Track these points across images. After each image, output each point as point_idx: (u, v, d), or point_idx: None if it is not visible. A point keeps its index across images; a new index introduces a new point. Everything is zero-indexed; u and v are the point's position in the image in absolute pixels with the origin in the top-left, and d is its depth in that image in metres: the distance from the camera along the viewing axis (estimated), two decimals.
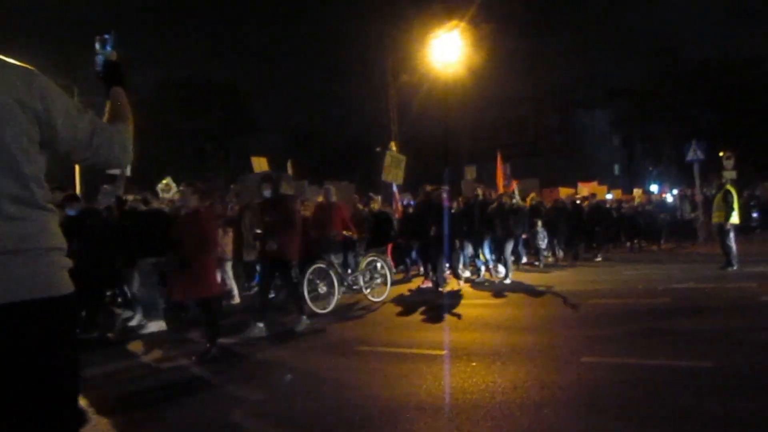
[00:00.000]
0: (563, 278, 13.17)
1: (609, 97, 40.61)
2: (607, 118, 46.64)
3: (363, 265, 10.70)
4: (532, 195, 17.27)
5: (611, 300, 9.55)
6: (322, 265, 9.88)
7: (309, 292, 9.40)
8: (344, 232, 10.66)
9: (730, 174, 20.09)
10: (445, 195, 15.51)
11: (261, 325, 7.99)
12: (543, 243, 15.82)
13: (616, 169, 56.39)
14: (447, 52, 21.73)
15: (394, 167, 16.46)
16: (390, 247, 14.62)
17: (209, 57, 73.21)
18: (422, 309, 9.85)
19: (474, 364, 6.10)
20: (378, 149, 29.72)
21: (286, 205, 8.43)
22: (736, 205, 12.49)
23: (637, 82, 38.40)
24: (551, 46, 71.77)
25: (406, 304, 10.46)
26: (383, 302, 10.53)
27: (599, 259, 16.98)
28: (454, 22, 21.27)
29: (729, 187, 12.75)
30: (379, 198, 16.14)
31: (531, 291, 11.13)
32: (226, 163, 42.68)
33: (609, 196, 24.11)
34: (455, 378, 5.65)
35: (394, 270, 14.41)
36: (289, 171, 17.09)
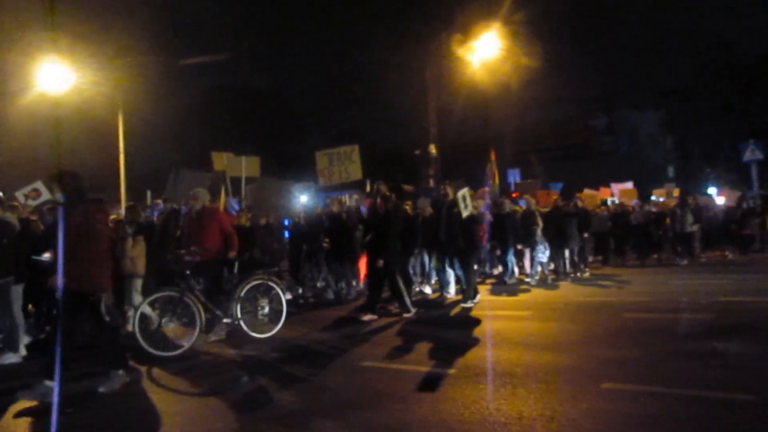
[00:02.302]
0: (601, 289, 12.32)
1: (660, 97, 38.95)
2: (658, 119, 44.84)
3: (243, 291, 8.14)
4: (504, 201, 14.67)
5: (648, 314, 8.74)
6: (173, 294, 7.74)
7: (142, 330, 7.33)
8: (193, 250, 7.98)
9: None
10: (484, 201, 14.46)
11: (120, 372, 6.03)
12: (544, 256, 13.26)
13: (671, 171, 54.28)
14: (489, 52, 20.89)
15: (338, 166, 14.25)
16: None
17: (256, 64, 73.95)
18: (438, 321, 9.26)
19: (482, 386, 5.54)
20: (417, 152, 29.26)
21: (84, 213, 5.95)
22: None
23: (689, 81, 36.60)
24: (598, 45, 69.58)
25: (421, 313, 9.84)
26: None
27: (587, 274, 14.33)
28: (496, 23, 20.48)
29: None
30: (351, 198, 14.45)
31: (562, 303, 10.39)
32: (266, 167, 42.85)
33: (654, 199, 22.57)
34: (456, 402, 5.07)
35: (357, 285, 12.40)
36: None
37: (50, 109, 20.74)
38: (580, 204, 15.01)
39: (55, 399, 5.26)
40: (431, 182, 22.73)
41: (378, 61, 64.52)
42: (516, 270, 13.68)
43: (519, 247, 13.33)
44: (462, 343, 7.57)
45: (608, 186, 22.41)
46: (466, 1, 23.41)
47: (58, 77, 19.40)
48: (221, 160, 14.18)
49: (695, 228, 16.27)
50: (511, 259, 13.39)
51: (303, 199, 17.67)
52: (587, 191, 19.96)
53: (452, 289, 11.59)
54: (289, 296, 11.69)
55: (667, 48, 69.93)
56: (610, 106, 47.05)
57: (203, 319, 7.62)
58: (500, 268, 14.36)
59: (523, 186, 17.13)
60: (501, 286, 12.86)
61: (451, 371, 6.10)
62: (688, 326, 7.81)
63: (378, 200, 10.07)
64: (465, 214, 10.44)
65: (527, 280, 13.40)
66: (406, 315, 9.50)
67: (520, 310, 9.72)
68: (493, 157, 17.40)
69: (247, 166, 13.85)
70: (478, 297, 10.58)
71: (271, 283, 8.49)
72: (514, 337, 7.67)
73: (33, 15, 24.21)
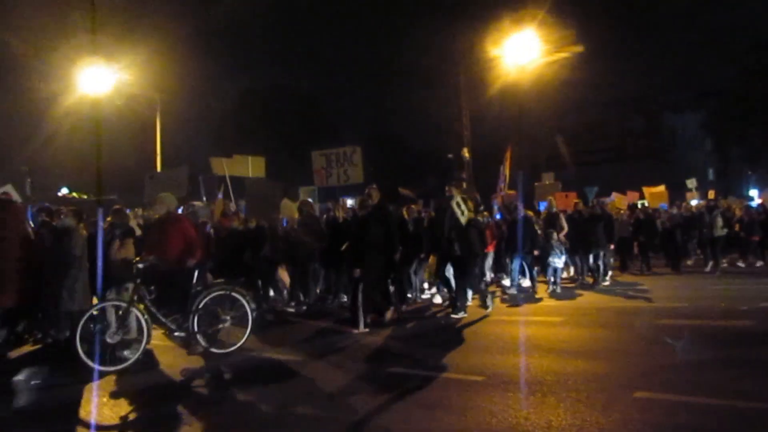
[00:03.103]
0: (637, 294, 12.03)
1: (699, 99, 38.10)
2: (697, 121, 43.88)
3: (201, 302, 7.45)
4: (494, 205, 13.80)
5: (685, 321, 8.50)
6: (120, 304, 7.19)
7: (83, 344, 6.66)
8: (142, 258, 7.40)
9: None
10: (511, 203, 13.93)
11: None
12: (559, 261, 12.39)
13: (711, 173, 53.06)
14: (523, 55, 20.60)
15: (337, 167, 13.36)
16: None
17: (291, 67, 74.79)
18: (471, 328, 9.15)
19: (510, 394, 5.44)
20: (450, 156, 29.13)
21: None
22: None
23: (728, 82, 35.77)
24: (635, 47, 68.28)
25: (452, 320, 9.72)
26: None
27: (607, 282, 13.35)
28: (530, 25, 20.22)
29: None
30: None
31: (595, 308, 10.20)
32: (301, 170, 43.23)
33: (694, 202, 21.82)
34: (483, 411, 5.00)
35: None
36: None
37: (91, 111, 21.22)
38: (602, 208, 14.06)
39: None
40: (464, 185, 22.60)
41: (412, 65, 64.45)
42: (517, 276, 12.51)
43: (536, 252, 12.33)
44: (494, 349, 7.47)
45: (637, 190, 21.77)
46: (501, 5, 23.20)
47: (98, 79, 19.87)
48: (221, 166, 13.60)
49: (724, 233, 15.33)
50: (517, 266, 12.35)
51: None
52: (615, 195, 19.29)
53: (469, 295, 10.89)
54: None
55: (706, 49, 68.24)
56: (648, 108, 46.19)
57: (150, 332, 7.11)
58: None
59: (542, 189, 16.32)
60: (522, 293, 12.30)
61: (480, 378, 6.01)
62: (727, 333, 7.57)
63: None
64: (463, 220, 9.80)
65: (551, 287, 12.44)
66: (354, 330, 8.77)
67: (551, 316, 9.59)
68: (508, 156, 16.61)
69: (253, 166, 13.33)
70: (462, 314, 9.63)
71: (234, 294, 7.72)
72: (545, 343, 7.54)
73: (76, 20, 24.84)
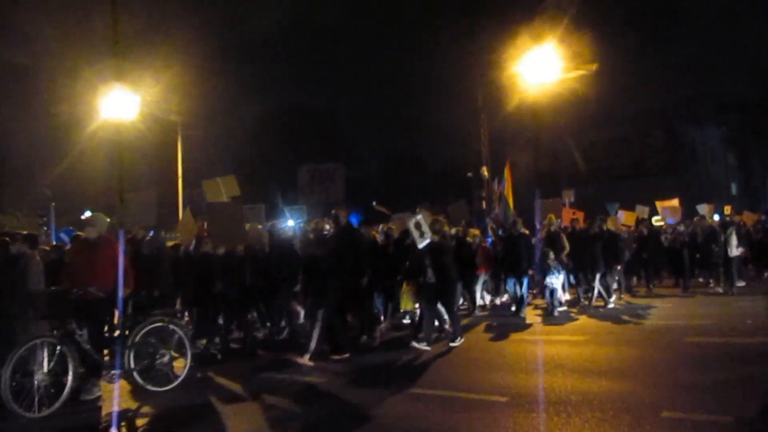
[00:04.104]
0: (662, 311, 11.83)
1: (721, 112, 37.73)
2: (719, 135, 43.34)
3: (138, 336, 6.86)
4: (461, 229, 12.74)
5: (711, 338, 8.37)
6: (51, 340, 6.39)
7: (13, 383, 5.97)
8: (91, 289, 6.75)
9: None
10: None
11: None
12: (557, 282, 11.78)
13: (734, 188, 52.26)
14: (542, 72, 20.56)
15: (319, 184, 12.62)
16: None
17: (310, 88, 75.63)
18: (491, 347, 9.09)
19: (535, 414, 5.39)
20: (469, 174, 29.08)
21: None
22: None
23: (750, 95, 35.46)
24: (655, 61, 67.90)
25: (476, 338, 9.67)
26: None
27: (611, 305, 12.20)
28: (549, 42, 20.20)
29: None
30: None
31: (619, 327, 10.06)
32: None
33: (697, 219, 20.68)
34: None
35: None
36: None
37: (114, 134, 21.55)
38: (606, 226, 12.92)
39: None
40: (483, 204, 22.53)
41: (431, 84, 64.83)
42: (527, 295, 12.12)
43: (531, 272, 11.89)
44: (517, 369, 7.39)
45: (647, 204, 21.24)
46: (519, 22, 23.26)
47: (121, 103, 20.23)
48: (217, 188, 12.90)
49: (739, 252, 13.87)
50: (524, 288, 11.77)
51: (290, 223, 16.79)
52: (621, 212, 18.60)
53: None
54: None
55: (726, 63, 67.72)
56: (668, 123, 45.71)
57: (77, 373, 6.42)
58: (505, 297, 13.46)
59: (546, 205, 15.73)
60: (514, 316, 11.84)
61: (503, 399, 5.95)
62: (756, 351, 7.43)
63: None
64: (421, 244, 8.99)
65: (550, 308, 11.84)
66: (299, 360, 8.22)
67: (575, 335, 9.48)
68: (508, 173, 16.19)
69: (225, 187, 12.68)
70: (425, 346, 8.75)
71: (172, 326, 7.29)
72: (569, 362, 7.45)
73: (99, 45, 25.42)
